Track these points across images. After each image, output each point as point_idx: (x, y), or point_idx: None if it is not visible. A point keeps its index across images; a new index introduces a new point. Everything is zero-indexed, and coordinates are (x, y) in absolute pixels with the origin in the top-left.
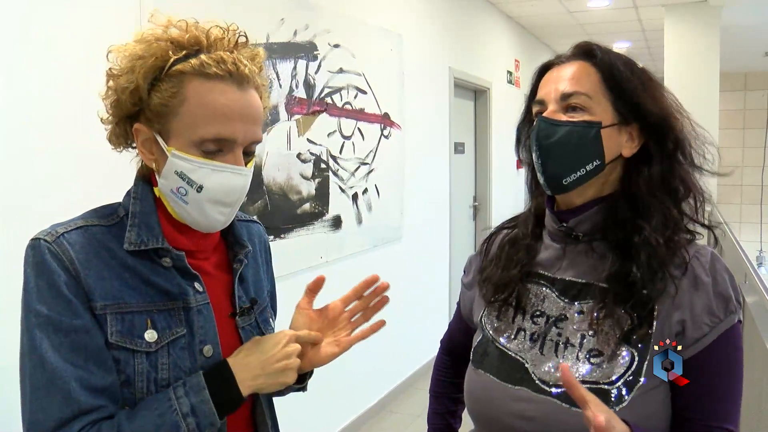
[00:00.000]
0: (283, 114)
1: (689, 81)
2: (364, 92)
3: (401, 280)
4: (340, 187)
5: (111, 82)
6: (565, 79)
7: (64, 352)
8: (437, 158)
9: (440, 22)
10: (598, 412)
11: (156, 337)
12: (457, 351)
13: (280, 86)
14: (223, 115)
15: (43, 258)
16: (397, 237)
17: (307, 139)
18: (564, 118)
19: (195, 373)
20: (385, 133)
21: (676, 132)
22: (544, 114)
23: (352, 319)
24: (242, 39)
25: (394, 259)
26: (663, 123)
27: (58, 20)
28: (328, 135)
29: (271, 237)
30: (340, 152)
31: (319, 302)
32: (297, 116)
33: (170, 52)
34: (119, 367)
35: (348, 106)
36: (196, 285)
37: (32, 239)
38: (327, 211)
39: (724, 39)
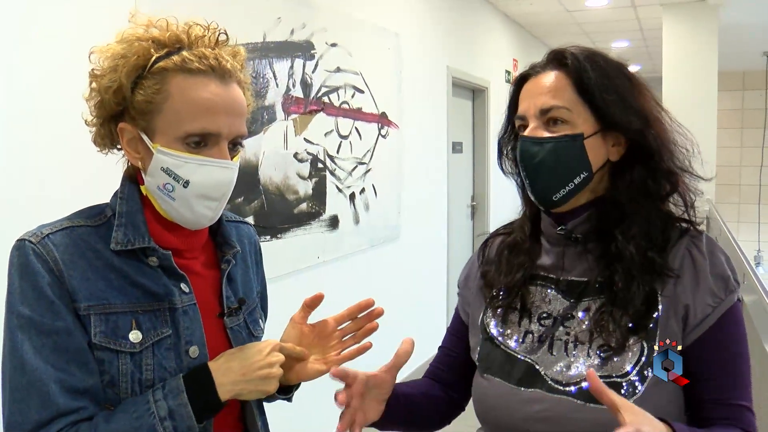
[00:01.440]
0: (279, 113)
1: (688, 80)
2: (362, 91)
3: (398, 279)
4: (338, 187)
5: (94, 83)
6: (542, 92)
7: (46, 354)
8: (435, 158)
9: (438, 21)
10: (629, 420)
11: (140, 337)
12: (444, 376)
13: (277, 85)
14: (207, 110)
15: (27, 259)
16: (394, 237)
17: (304, 138)
18: (546, 134)
19: (175, 376)
20: (383, 132)
21: (657, 135)
22: (526, 132)
23: (343, 339)
24: (223, 37)
25: (392, 258)
26: (640, 128)
27: (53, 20)
28: (325, 134)
29: (268, 237)
30: (338, 152)
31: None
32: (294, 115)
33: (152, 51)
34: (103, 367)
35: (345, 106)
36: (182, 286)
37: (18, 240)
38: (324, 211)
39: (723, 38)
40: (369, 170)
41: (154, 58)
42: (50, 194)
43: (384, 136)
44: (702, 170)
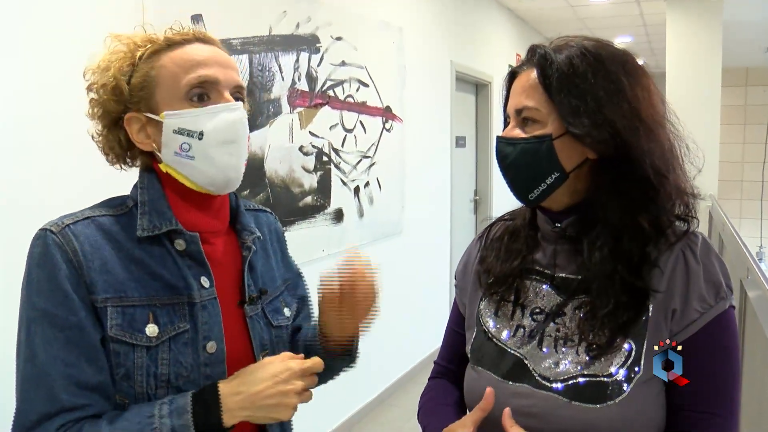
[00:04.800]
0: (285, 106)
1: (691, 76)
2: (366, 85)
3: (402, 273)
4: (342, 180)
5: (92, 93)
6: (519, 91)
7: (57, 348)
8: (438, 152)
9: (441, 16)
10: None
11: (157, 331)
12: (458, 373)
13: (283, 79)
14: (199, 63)
15: (47, 249)
16: (397, 231)
17: (309, 131)
18: (520, 134)
19: (184, 393)
20: (387, 126)
21: (623, 140)
22: (502, 133)
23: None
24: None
25: (395, 252)
26: (602, 138)
27: (60, 16)
28: (330, 128)
29: None
30: (342, 145)
31: (316, 296)
32: (299, 109)
33: (138, 45)
34: (119, 360)
35: (350, 99)
36: (203, 279)
37: (39, 230)
38: (329, 204)
39: (726, 34)
40: (373, 164)
41: (140, 51)
42: (63, 187)
43: (388, 130)
44: (701, 177)
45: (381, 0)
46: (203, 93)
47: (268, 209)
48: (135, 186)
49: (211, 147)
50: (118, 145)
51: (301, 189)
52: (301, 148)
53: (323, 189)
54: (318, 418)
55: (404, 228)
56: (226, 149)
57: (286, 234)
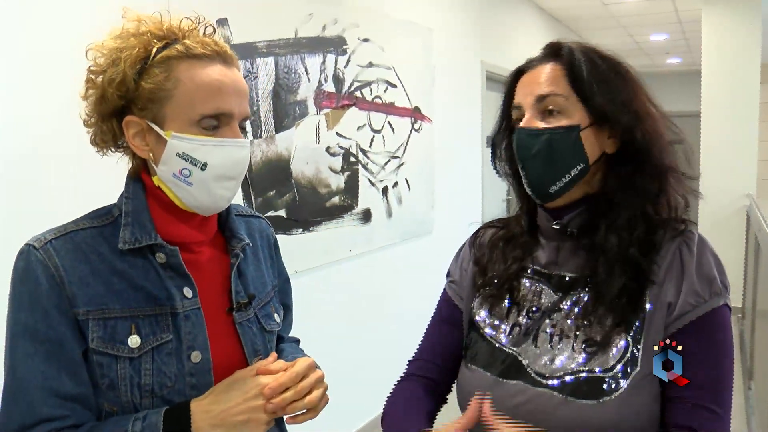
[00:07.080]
0: (311, 108)
1: (728, 73)
2: (394, 86)
3: (430, 274)
4: (370, 181)
5: (94, 79)
6: (539, 81)
7: (37, 361)
8: (469, 152)
9: (471, 16)
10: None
11: (139, 342)
12: (436, 370)
13: (309, 80)
14: (218, 90)
15: (29, 265)
16: (427, 231)
17: (336, 132)
18: (542, 125)
19: (156, 410)
20: (416, 126)
21: (646, 133)
22: (522, 124)
23: None
24: (210, 29)
25: (424, 252)
26: (630, 125)
27: (66, 15)
28: (358, 129)
29: (300, 230)
30: (370, 146)
31: (344, 296)
32: (326, 110)
33: (153, 42)
34: (102, 371)
35: (378, 100)
36: (186, 290)
37: (24, 245)
38: (356, 205)
39: (766, 29)
40: (402, 164)
41: (155, 48)
42: (59, 201)
43: (417, 131)
44: (738, 176)
45: (409, 1)
46: (215, 124)
47: (261, 215)
48: (122, 195)
49: (211, 180)
50: (111, 136)
51: (328, 189)
52: (327, 149)
53: (351, 189)
54: (341, 417)
55: (434, 228)
56: (225, 185)
57: (313, 234)
